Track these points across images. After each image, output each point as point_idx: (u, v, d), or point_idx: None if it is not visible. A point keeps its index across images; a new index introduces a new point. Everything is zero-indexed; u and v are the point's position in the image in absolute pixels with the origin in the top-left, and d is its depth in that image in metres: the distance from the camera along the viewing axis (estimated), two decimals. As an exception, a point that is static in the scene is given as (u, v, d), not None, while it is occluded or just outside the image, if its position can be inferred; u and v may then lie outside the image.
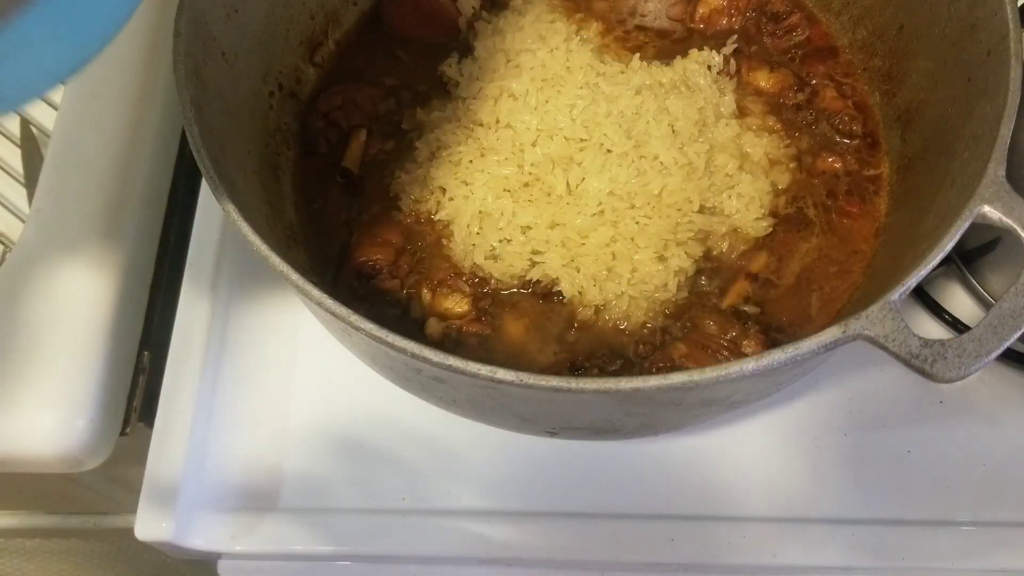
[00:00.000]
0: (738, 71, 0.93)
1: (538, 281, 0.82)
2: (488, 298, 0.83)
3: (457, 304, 0.81)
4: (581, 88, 0.86)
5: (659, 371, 0.77)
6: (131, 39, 0.97)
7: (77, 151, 0.92)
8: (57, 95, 0.99)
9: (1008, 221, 0.62)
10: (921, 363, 0.57)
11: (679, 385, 0.57)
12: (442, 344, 0.80)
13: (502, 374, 0.57)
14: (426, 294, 0.83)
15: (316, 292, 0.61)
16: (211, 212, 0.94)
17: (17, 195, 1.00)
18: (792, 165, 0.89)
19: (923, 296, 0.90)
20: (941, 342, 0.58)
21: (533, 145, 0.84)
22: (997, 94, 0.68)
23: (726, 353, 0.77)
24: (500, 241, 0.82)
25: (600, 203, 0.82)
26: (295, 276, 0.62)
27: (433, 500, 0.83)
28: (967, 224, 0.62)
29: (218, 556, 0.83)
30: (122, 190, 0.91)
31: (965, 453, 0.84)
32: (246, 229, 0.63)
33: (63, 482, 0.97)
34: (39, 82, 0.47)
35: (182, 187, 0.99)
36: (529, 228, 0.82)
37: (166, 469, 0.82)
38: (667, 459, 0.84)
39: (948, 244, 0.62)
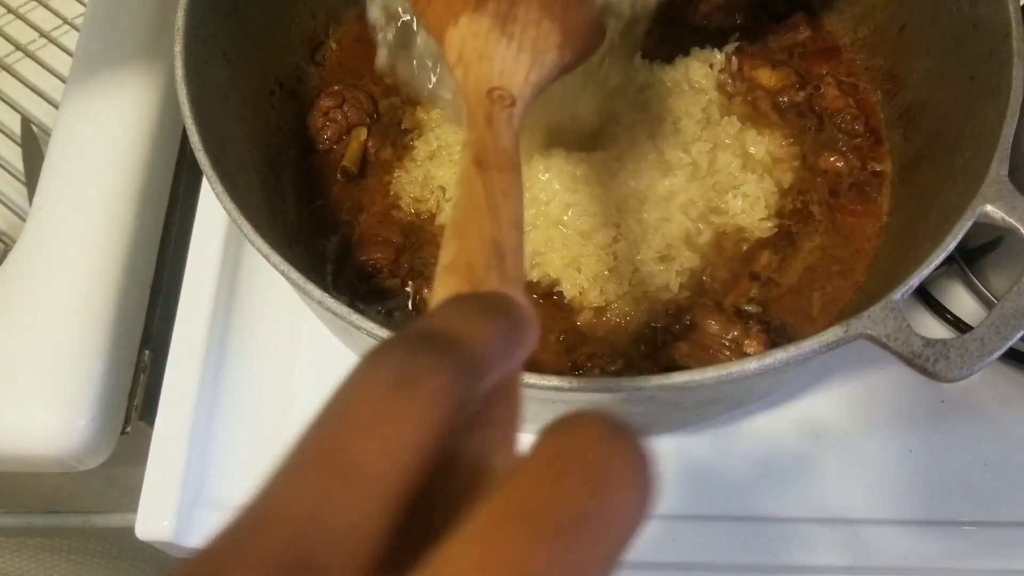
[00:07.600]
0: (740, 69, 0.93)
1: (539, 281, 0.82)
2: (489, 297, 0.82)
3: (458, 303, 0.81)
4: (582, 87, 0.86)
5: (660, 371, 0.77)
6: (131, 37, 0.97)
7: (77, 150, 0.92)
8: (58, 94, 0.99)
9: (1010, 220, 0.62)
10: (923, 363, 0.57)
11: (680, 385, 0.57)
12: (443, 343, 0.80)
13: (503, 374, 0.57)
14: (427, 293, 0.82)
15: (317, 291, 0.61)
16: (211, 212, 0.94)
17: (18, 194, 1.00)
18: (795, 163, 0.89)
19: (925, 295, 0.90)
20: (943, 341, 0.58)
21: (534, 144, 0.84)
22: (1000, 93, 0.68)
23: (728, 353, 0.77)
24: (501, 240, 0.82)
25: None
26: (296, 275, 0.62)
27: (434, 500, 0.83)
28: (969, 223, 0.62)
29: (219, 556, 0.83)
30: (122, 190, 0.91)
31: (967, 453, 0.84)
32: (247, 228, 0.63)
33: (63, 481, 0.97)
34: None
35: (182, 187, 0.99)
36: (530, 228, 0.82)
37: (167, 468, 0.82)
38: (667, 459, 0.84)
39: (951, 243, 0.61)
